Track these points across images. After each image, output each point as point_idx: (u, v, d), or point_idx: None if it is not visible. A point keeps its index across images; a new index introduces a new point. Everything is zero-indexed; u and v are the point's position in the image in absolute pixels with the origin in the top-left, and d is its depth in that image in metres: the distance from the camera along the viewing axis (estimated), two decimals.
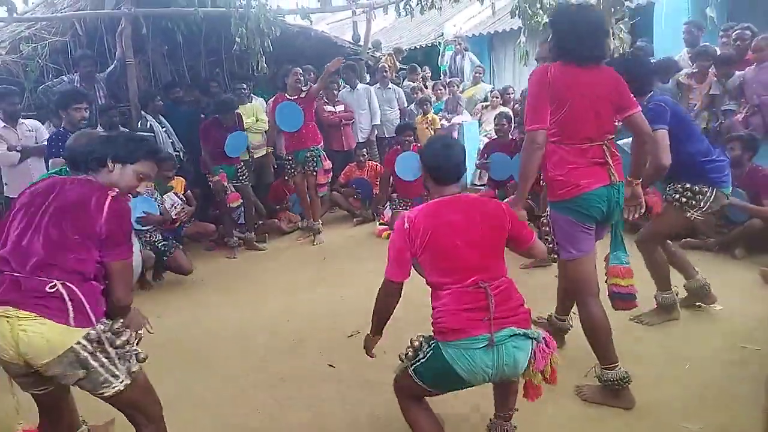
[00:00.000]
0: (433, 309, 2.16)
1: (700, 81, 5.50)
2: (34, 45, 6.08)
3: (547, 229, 2.76)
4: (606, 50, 2.65)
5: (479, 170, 7.40)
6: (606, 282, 2.77)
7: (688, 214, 3.19)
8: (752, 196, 4.45)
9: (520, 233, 2.25)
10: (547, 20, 6.24)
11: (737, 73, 5.23)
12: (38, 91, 5.95)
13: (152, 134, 5.87)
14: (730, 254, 4.51)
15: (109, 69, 6.21)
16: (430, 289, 2.19)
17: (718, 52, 5.58)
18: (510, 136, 6.08)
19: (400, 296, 2.26)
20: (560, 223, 2.62)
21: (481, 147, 6.88)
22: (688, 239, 4.68)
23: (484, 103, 8.34)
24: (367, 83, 7.92)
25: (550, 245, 2.71)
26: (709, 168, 3.17)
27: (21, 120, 5.10)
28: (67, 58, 6.35)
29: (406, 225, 2.16)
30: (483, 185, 7.11)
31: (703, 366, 2.93)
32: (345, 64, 7.07)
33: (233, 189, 5.76)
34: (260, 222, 6.47)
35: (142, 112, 6.10)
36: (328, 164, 6.11)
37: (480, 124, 8.09)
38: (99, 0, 6.51)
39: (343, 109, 7.13)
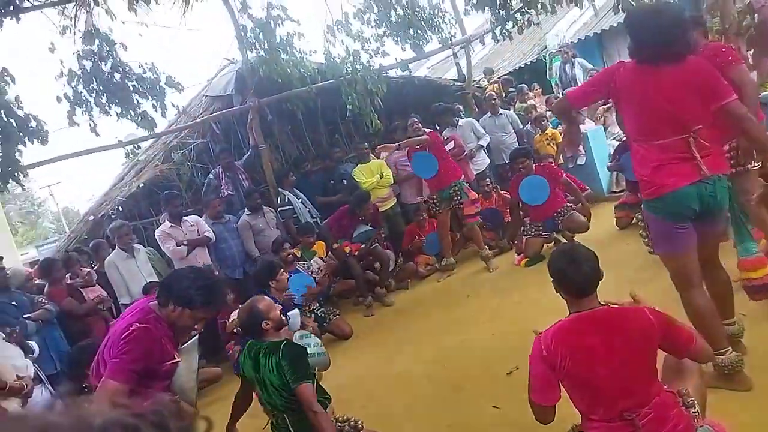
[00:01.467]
0: None
1: None
2: (182, 151, 6.98)
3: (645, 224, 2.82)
4: (685, 44, 2.51)
5: (615, 175, 6.98)
6: (740, 276, 2.79)
7: None
8: None
9: (676, 341, 2.04)
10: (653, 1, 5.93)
11: None
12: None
13: (290, 206, 6.40)
14: None
15: (245, 157, 6.93)
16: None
17: None
18: None
19: (555, 410, 2.13)
20: (652, 221, 2.62)
21: (612, 151, 6.51)
22: None
23: (605, 106, 7.92)
24: (477, 115, 7.96)
25: (646, 240, 2.70)
26: None
27: (183, 218, 5.82)
28: (210, 156, 7.18)
29: (544, 352, 2.05)
30: (622, 191, 6.68)
31: None
32: (439, 108, 7.22)
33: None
34: (396, 270, 6.63)
35: (279, 189, 6.67)
36: (473, 195, 6.31)
37: (606, 129, 7.68)
38: (228, 100, 7.35)
39: (452, 145, 7.18)
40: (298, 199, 6.64)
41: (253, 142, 6.95)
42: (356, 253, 6.07)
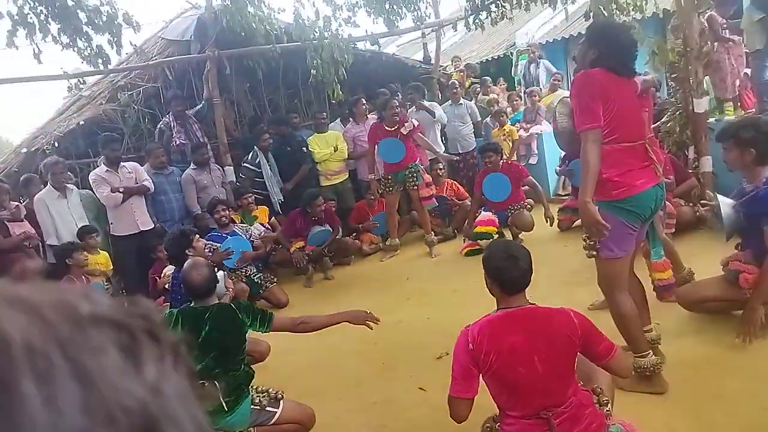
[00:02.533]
0: (500, 427, 2.14)
1: None
2: (129, 93, 6.61)
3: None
4: (633, 68, 2.78)
5: (563, 179, 7.17)
6: (650, 276, 3.10)
7: None
8: None
9: (596, 348, 2.09)
10: (627, 18, 6.05)
11: None
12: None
13: (259, 169, 6.23)
14: None
15: (197, 107, 6.64)
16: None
17: None
18: None
19: (472, 406, 2.13)
20: (609, 223, 2.61)
21: (562, 155, 6.66)
22: None
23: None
24: (439, 101, 7.95)
25: (591, 243, 2.74)
26: None
27: (122, 164, 5.53)
28: (160, 102, 6.85)
29: (470, 345, 2.07)
30: (567, 195, 6.88)
31: None
32: (410, 85, 7.17)
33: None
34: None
35: (255, 147, 6.43)
36: (428, 178, 6.25)
37: None
38: (185, 45, 7.00)
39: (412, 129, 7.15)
40: (268, 164, 6.43)
41: (207, 94, 6.67)
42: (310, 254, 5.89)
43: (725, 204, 3.16)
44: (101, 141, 5.56)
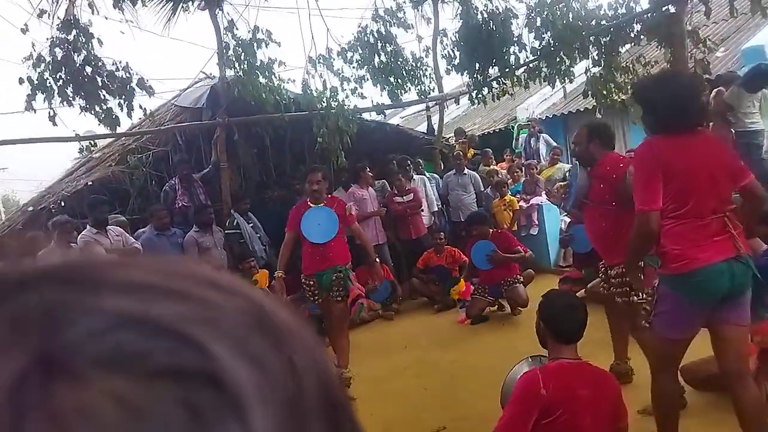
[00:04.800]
0: None
1: None
2: (139, 156, 6.78)
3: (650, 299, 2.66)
4: (704, 114, 2.57)
5: (563, 251, 7.18)
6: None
7: None
8: None
9: (621, 411, 2.15)
10: (625, 97, 6.28)
11: None
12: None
13: (238, 230, 6.27)
14: None
15: (204, 171, 6.79)
16: None
17: None
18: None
19: None
20: (667, 298, 2.40)
21: (564, 227, 6.72)
22: None
23: (563, 183, 8.22)
24: (442, 171, 8.14)
25: (645, 314, 2.64)
26: None
27: (108, 226, 5.49)
28: (168, 165, 7.01)
29: (543, 391, 1.99)
30: (568, 266, 6.87)
31: None
32: (400, 158, 7.37)
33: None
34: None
35: (232, 211, 6.53)
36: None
37: (560, 204, 7.93)
38: (197, 112, 7.26)
39: (411, 198, 7.28)
40: (249, 224, 6.50)
41: (215, 159, 6.84)
42: None
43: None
44: (89, 203, 5.60)
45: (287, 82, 7.06)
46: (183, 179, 6.45)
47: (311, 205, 4.47)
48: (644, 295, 2.87)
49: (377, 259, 6.04)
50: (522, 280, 5.95)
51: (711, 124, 5.78)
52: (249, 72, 6.70)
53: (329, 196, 4.72)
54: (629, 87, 6.21)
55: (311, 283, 4.53)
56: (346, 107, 6.89)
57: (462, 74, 7.25)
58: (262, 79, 6.80)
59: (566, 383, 2.03)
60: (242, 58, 6.74)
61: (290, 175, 7.81)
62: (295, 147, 7.90)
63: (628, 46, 6.62)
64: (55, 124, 6.25)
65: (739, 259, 2.30)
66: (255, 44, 6.72)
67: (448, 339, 5.52)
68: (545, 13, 6.62)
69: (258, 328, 0.25)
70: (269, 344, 0.25)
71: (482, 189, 7.89)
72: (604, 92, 6.11)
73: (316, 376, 0.26)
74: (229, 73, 7.08)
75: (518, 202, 7.71)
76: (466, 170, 7.86)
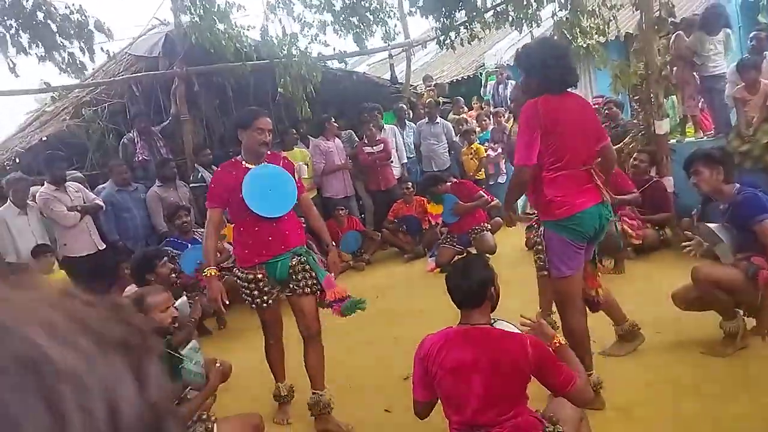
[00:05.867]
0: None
1: (753, 93, 5.23)
2: (94, 109, 6.48)
3: (540, 248, 2.89)
4: (576, 75, 2.83)
5: None
6: (590, 293, 2.98)
7: None
8: None
9: (554, 379, 2.08)
10: (591, 42, 6.23)
11: None
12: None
13: (204, 184, 6.09)
14: None
15: (164, 123, 6.54)
16: None
17: None
18: None
19: (433, 407, 2.28)
20: (555, 242, 2.74)
21: None
22: None
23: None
24: (411, 120, 8.02)
25: (541, 263, 2.85)
26: None
27: (67, 183, 5.32)
28: (126, 118, 6.73)
29: (422, 354, 2.19)
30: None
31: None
32: (369, 107, 7.24)
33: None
34: None
35: (196, 165, 6.35)
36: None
37: None
38: (153, 62, 6.92)
39: (381, 148, 7.20)
40: None
41: (175, 111, 6.59)
42: None
43: (717, 227, 3.25)
44: (45, 159, 5.41)
45: (247, 29, 6.77)
46: (142, 132, 6.22)
47: (249, 166, 3.08)
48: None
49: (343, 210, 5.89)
50: (489, 227, 6.01)
51: (674, 68, 5.81)
52: (206, 17, 6.38)
53: (269, 152, 3.22)
54: (595, 31, 6.15)
55: (258, 277, 3.11)
56: (308, 55, 6.66)
57: (427, 17, 7.04)
58: (220, 26, 6.49)
59: (441, 346, 2.12)
60: (198, 2, 6.39)
61: None
62: (259, 97, 7.66)
63: None
64: (17, 75, 5.89)
65: (605, 203, 2.75)
66: None
67: (418, 288, 5.59)
68: None
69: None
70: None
71: (454, 138, 7.84)
72: (570, 37, 6.04)
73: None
74: (185, 18, 6.74)
75: (486, 150, 7.70)
76: (438, 119, 7.78)
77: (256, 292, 3.14)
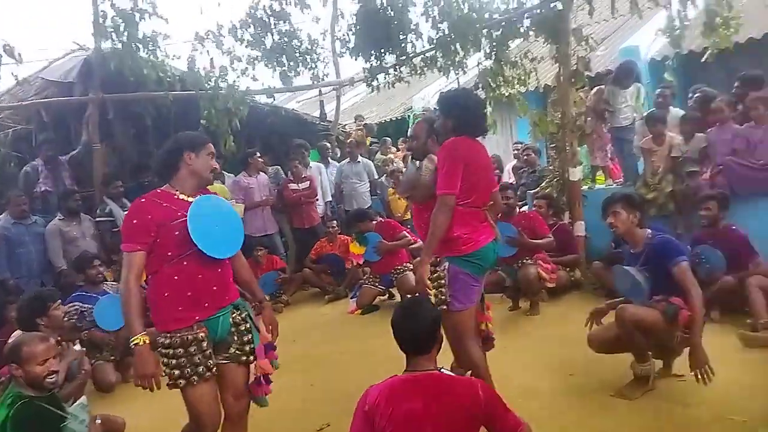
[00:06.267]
0: None
1: (659, 144, 5.59)
2: None
3: (442, 282, 2.92)
4: (486, 126, 3.20)
5: None
6: (481, 327, 3.20)
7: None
8: (729, 255, 4.34)
9: (501, 424, 2.03)
10: (513, 91, 6.48)
11: (698, 135, 5.33)
12: None
13: (112, 218, 5.71)
14: (706, 318, 4.36)
15: (72, 153, 6.15)
16: None
17: (680, 113, 5.76)
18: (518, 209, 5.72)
19: None
20: (460, 277, 2.89)
21: None
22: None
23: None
24: (338, 159, 8.01)
25: (442, 297, 2.88)
26: None
27: None
28: (31, 145, 6.28)
29: (366, 407, 2.04)
30: None
31: None
32: (296, 143, 7.20)
33: None
34: None
35: (104, 197, 5.96)
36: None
37: None
38: (67, 87, 6.55)
39: (308, 185, 7.11)
40: (125, 210, 5.97)
41: (86, 139, 6.21)
42: None
43: (632, 270, 3.30)
44: None
45: (172, 58, 6.55)
46: (47, 161, 5.81)
47: (184, 197, 2.54)
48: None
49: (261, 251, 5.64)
50: (412, 268, 5.98)
51: (588, 119, 6.13)
52: (129, 44, 6.13)
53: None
54: (517, 81, 6.40)
55: (200, 336, 2.45)
56: (236, 88, 6.52)
57: (357, 58, 7.11)
58: (143, 53, 6.25)
59: (390, 396, 2.00)
60: (121, 29, 6.14)
61: None
62: (181, 128, 7.29)
63: (518, 41, 6.83)
64: None
65: (497, 241, 3.05)
66: (137, 14, 6.14)
67: (338, 330, 5.43)
68: (442, 3, 6.66)
69: None
70: None
71: (376, 177, 7.87)
72: (494, 85, 6.26)
73: None
74: (106, 45, 6.44)
75: None
76: (359, 158, 7.80)
77: (198, 358, 2.41)
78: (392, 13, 6.87)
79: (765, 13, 7.26)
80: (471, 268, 2.90)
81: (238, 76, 6.80)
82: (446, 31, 6.61)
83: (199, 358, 2.41)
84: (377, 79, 7.49)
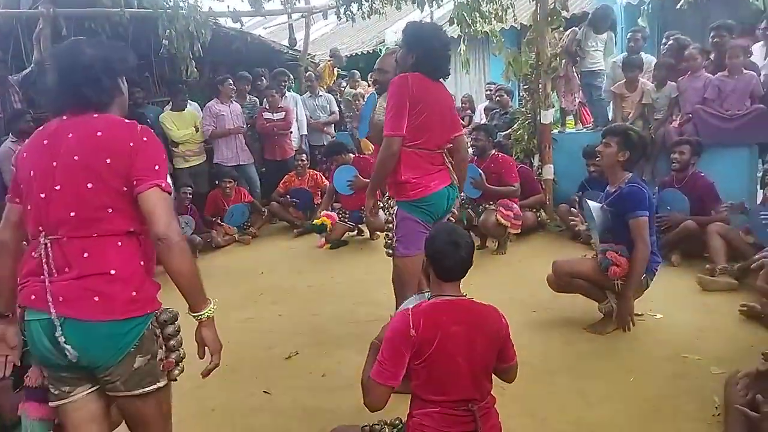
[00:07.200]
0: (410, 415, 2.01)
1: (631, 90, 5.61)
2: None
3: (391, 226, 2.94)
4: (449, 69, 2.96)
5: None
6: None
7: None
8: (694, 201, 4.50)
9: (508, 352, 2.08)
10: (489, 27, 6.32)
11: (670, 83, 5.35)
12: None
13: None
14: (666, 261, 4.55)
15: (25, 72, 5.76)
16: (412, 395, 2.02)
17: (654, 60, 5.75)
18: (490, 152, 5.42)
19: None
20: (406, 222, 2.83)
21: None
22: None
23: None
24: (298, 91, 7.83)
25: (389, 241, 2.90)
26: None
27: None
28: None
29: (413, 332, 1.92)
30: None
31: (646, 379, 2.90)
32: (277, 70, 6.94)
33: None
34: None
35: None
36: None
37: None
38: (14, 0, 6.05)
39: (283, 116, 6.91)
40: None
41: (38, 57, 5.79)
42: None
43: (594, 207, 3.38)
44: None
45: None
46: None
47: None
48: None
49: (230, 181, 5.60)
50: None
51: (563, 61, 6.07)
52: None
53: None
54: (494, 17, 6.24)
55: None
56: (198, 9, 6.15)
57: None
58: None
59: (436, 321, 1.96)
60: None
61: (131, 80, 6.93)
62: (139, 49, 6.96)
63: None
64: None
65: (453, 185, 2.92)
66: None
67: (307, 264, 5.45)
68: None
69: None
70: None
71: (335, 110, 7.80)
72: (470, 21, 6.08)
73: None
74: None
75: None
76: (321, 92, 7.65)
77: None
78: None
79: None
80: (419, 214, 2.82)
81: None
82: None
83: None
84: (350, 9, 7.19)
